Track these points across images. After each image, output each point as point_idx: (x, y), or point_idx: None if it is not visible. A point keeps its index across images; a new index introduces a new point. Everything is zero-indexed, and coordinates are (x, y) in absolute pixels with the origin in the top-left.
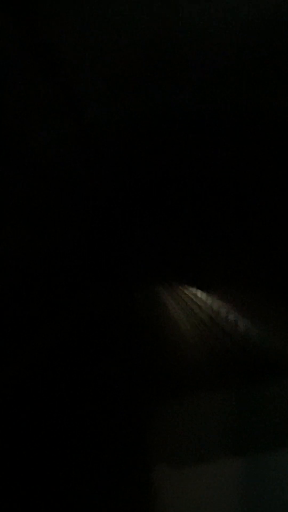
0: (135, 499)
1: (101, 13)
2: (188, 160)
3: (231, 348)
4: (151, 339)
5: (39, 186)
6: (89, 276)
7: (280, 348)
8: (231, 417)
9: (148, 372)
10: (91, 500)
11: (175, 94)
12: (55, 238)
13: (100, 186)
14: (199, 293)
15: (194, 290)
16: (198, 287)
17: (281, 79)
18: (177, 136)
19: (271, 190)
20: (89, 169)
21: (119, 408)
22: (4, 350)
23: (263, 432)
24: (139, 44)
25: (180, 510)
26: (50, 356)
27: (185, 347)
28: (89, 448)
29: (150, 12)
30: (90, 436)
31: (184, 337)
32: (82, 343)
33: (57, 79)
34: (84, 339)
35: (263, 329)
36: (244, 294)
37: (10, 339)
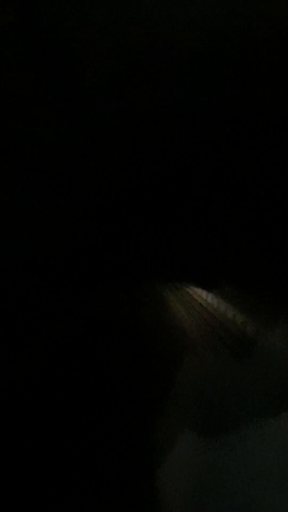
0: (136, 500)
1: (105, 6)
2: (193, 158)
3: (234, 348)
4: (153, 339)
5: (40, 185)
6: (90, 276)
7: (282, 347)
8: (234, 416)
9: (150, 372)
10: (92, 502)
11: (181, 90)
12: (56, 238)
13: (102, 185)
14: (201, 292)
15: (196, 290)
16: (201, 287)
17: (280, 77)
18: (183, 133)
19: (272, 190)
20: (92, 168)
21: (121, 408)
22: (5, 351)
23: (264, 430)
24: (144, 39)
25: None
26: (52, 357)
27: (188, 347)
28: (90, 450)
29: (153, 6)
30: (91, 438)
31: (187, 337)
32: (84, 344)
33: (60, 75)
34: (85, 340)
35: (266, 328)
36: (246, 294)
37: (11, 341)
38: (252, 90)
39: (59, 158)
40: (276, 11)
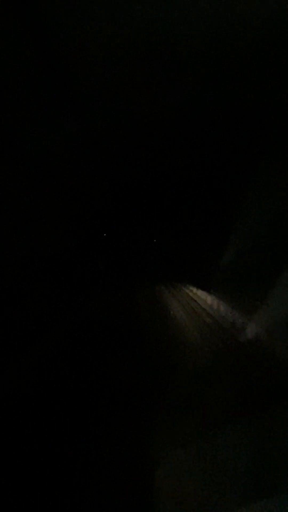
0: (134, 501)
1: (104, 12)
2: (190, 159)
3: (234, 349)
4: (153, 339)
5: (40, 185)
6: (91, 276)
7: (281, 348)
8: (233, 415)
9: (149, 372)
10: (91, 502)
11: (177, 92)
12: (56, 237)
13: (101, 185)
14: (200, 294)
15: (196, 291)
16: (200, 288)
17: (281, 77)
18: (179, 134)
19: (272, 193)
20: (91, 168)
21: (120, 409)
22: (6, 350)
23: (263, 426)
24: (141, 43)
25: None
26: (52, 357)
27: (187, 347)
28: (89, 449)
29: (151, 11)
30: (90, 438)
31: (187, 337)
32: (83, 345)
33: (60, 78)
34: (85, 340)
35: (265, 330)
36: (246, 294)
37: (12, 340)
38: (252, 92)
39: (59, 159)
40: (276, 12)
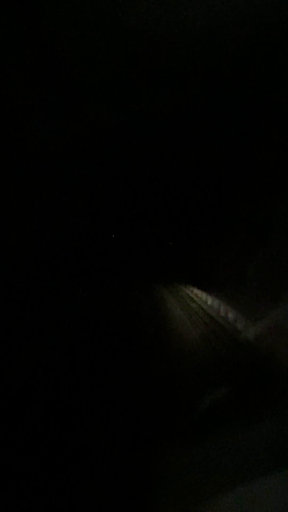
0: (134, 501)
1: (103, 10)
2: (190, 160)
3: (234, 350)
4: (152, 339)
5: (40, 185)
6: (89, 275)
7: (281, 350)
8: (234, 420)
9: (148, 371)
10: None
11: (178, 94)
12: (55, 238)
13: (100, 184)
14: (200, 293)
15: (195, 290)
16: (200, 287)
17: (281, 78)
18: (179, 136)
19: (273, 192)
20: (90, 168)
21: (117, 410)
22: (4, 351)
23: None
24: (142, 42)
25: None
26: (48, 357)
27: (186, 348)
28: (87, 451)
29: (152, 10)
30: (88, 439)
31: (186, 338)
32: (81, 345)
33: (58, 78)
34: (83, 339)
35: (265, 330)
36: (246, 294)
37: (7, 340)
38: (252, 94)
39: (59, 160)
40: (276, 13)
